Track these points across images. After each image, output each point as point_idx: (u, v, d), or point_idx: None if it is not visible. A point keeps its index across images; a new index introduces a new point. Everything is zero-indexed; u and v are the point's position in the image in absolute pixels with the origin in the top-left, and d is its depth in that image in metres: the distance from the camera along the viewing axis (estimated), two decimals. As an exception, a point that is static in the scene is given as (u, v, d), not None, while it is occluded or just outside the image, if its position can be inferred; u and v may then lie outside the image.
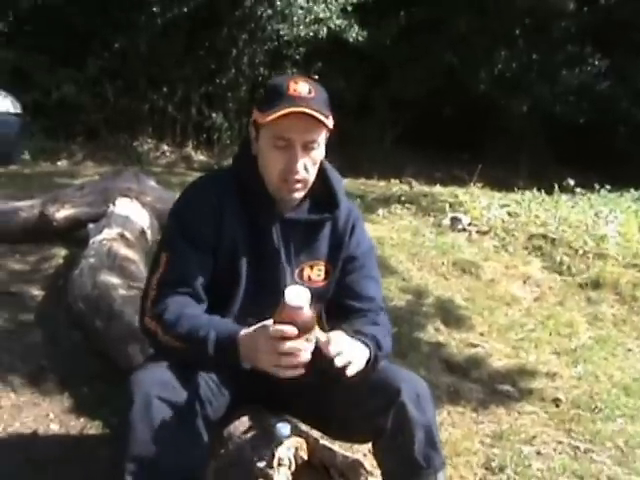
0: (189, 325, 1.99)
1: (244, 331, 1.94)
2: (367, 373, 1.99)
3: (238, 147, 2.38)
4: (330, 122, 2.08)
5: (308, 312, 1.82)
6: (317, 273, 2.22)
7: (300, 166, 2.05)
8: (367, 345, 2.03)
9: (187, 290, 2.07)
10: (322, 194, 2.19)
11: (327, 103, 2.10)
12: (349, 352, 1.91)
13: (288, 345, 1.81)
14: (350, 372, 1.89)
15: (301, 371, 1.85)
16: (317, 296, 2.16)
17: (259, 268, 2.15)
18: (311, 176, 2.11)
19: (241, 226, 2.13)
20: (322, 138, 2.10)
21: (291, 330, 1.80)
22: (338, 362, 1.86)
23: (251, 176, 2.14)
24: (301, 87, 2.04)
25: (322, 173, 2.18)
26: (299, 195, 2.13)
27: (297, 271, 2.20)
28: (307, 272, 2.21)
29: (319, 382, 2.09)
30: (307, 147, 2.06)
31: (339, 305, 2.25)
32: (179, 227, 2.14)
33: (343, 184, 2.28)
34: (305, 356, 1.84)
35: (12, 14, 11.07)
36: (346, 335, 1.97)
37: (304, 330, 1.81)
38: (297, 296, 1.81)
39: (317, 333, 1.88)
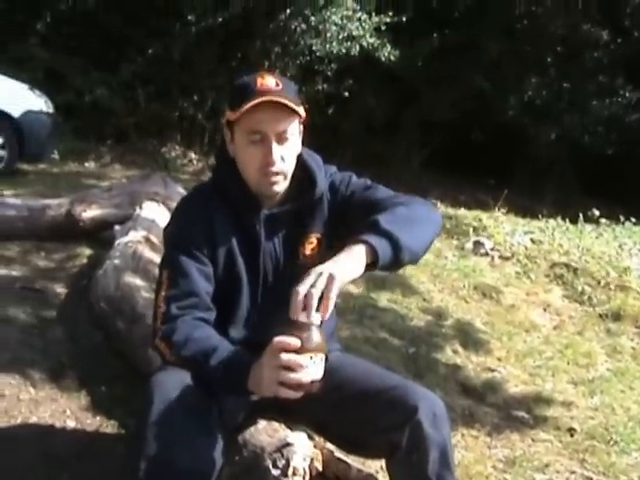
0: (197, 349, 2.00)
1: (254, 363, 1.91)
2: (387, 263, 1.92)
3: (215, 157, 2.41)
4: (301, 110, 2.11)
5: (316, 331, 1.77)
6: (309, 247, 2.24)
7: (277, 157, 2.08)
8: (361, 242, 1.90)
9: (194, 300, 2.10)
10: (302, 182, 2.21)
11: (296, 93, 2.14)
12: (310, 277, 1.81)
13: (287, 357, 1.76)
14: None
15: (299, 394, 1.81)
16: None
17: (255, 268, 2.19)
18: (289, 167, 2.14)
19: (232, 231, 2.17)
20: (295, 128, 2.13)
21: (293, 342, 1.76)
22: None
23: (232, 179, 2.18)
24: (268, 81, 2.08)
25: (301, 163, 2.21)
26: (279, 188, 2.15)
27: (294, 257, 2.22)
28: (301, 251, 2.23)
29: (336, 396, 2.11)
30: (281, 138, 2.08)
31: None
32: (174, 244, 2.19)
33: (321, 164, 2.27)
34: (307, 375, 1.78)
35: (49, 15, 11.18)
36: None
37: (309, 347, 1.76)
38: (304, 313, 1.76)
39: None
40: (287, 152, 2.12)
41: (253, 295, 2.20)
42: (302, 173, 2.21)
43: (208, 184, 2.31)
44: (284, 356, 1.77)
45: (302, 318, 1.76)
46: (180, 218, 2.24)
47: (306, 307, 1.77)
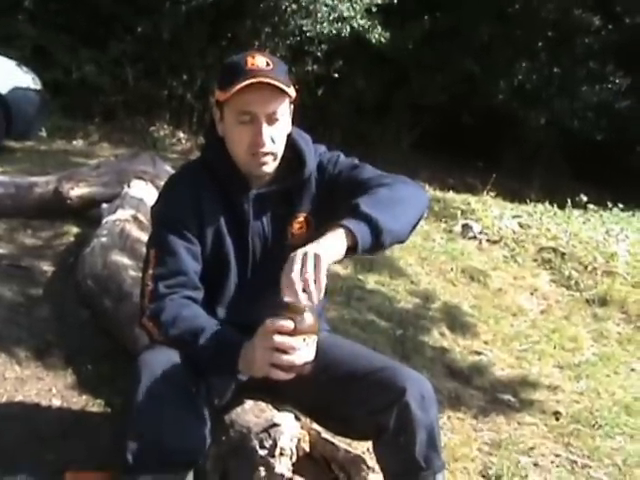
0: (185, 328, 1.99)
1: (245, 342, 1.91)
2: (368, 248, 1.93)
3: (203, 135, 2.39)
4: (292, 91, 2.10)
5: (308, 313, 1.78)
6: (297, 227, 2.24)
7: (267, 138, 2.07)
8: (340, 226, 1.90)
9: (182, 279, 2.09)
10: (291, 161, 2.20)
11: (287, 73, 2.13)
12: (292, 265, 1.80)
13: (281, 339, 1.77)
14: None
15: (290, 376, 1.82)
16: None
17: (243, 248, 2.18)
18: (279, 148, 2.13)
19: (221, 210, 2.16)
20: (285, 108, 2.12)
21: (287, 324, 1.77)
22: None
23: (220, 158, 2.17)
24: (258, 60, 2.06)
25: (290, 142, 2.20)
26: (269, 168, 2.15)
27: (283, 237, 2.22)
28: (289, 230, 2.23)
29: (324, 378, 2.11)
30: (271, 119, 2.07)
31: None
32: (162, 222, 2.18)
33: (311, 144, 2.27)
34: (300, 357, 1.80)
35: (37, -9, 11.07)
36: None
37: (302, 329, 1.77)
38: (297, 295, 1.77)
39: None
40: (277, 133, 2.10)
41: (241, 275, 2.19)
42: (291, 153, 2.21)
43: (196, 162, 2.30)
44: (277, 338, 1.77)
45: (295, 300, 1.76)
46: (168, 196, 2.23)
47: (304, 291, 1.76)
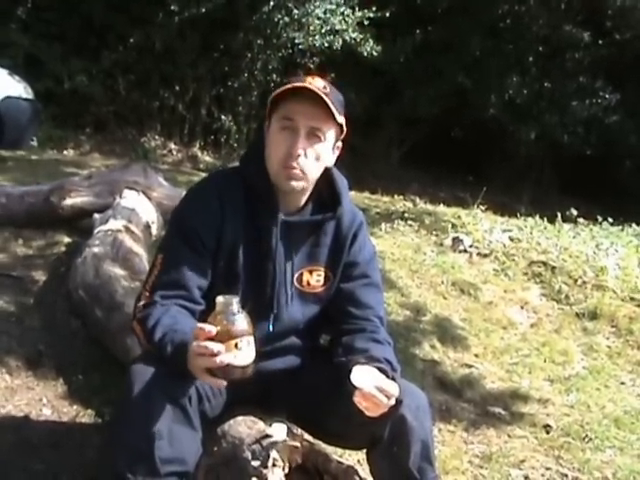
0: (161, 335, 1.97)
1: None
2: None
3: (248, 146, 2.37)
4: (341, 118, 2.09)
5: (240, 315, 1.78)
6: (316, 279, 2.23)
7: (300, 151, 2.05)
8: (386, 372, 2.00)
9: (181, 293, 2.07)
10: (326, 197, 2.20)
11: (341, 104, 2.11)
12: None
13: (199, 344, 1.76)
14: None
15: (222, 383, 1.81)
16: (315, 300, 2.19)
17: (258, 270, 2.15)
18: (310, 168, 2.10)
19: (242, 228, 2.13)
20: (330, 134, 2.11)
21: (208, 328, 1.75)
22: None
23: (259, 174, 2.14)
24: (317, 81, 2.07)
25: (328, 177, 2.19)
26: (297, 185, 2.11)
27: (297, 275, 2.20)
28: (306, 277, 2.22)
29: (317, 389, 2.11)
30: (311, 134, 2.06)
31: (337, 310, 2.25)
32: (178, 229, 2.16)
33: (348, 189, 2.27)
34: (223, 360, 1.76)
35: (31, 1, 11.07)
36: (374, 371, 1.96)
37: (227, 334, 1.75)
38: (224, 303, 1.78)
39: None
40: (313, 152, 2.08)
41: (251, 294, 2.12)
42: (327, 188, 2.20)
43: (231, 173, 2.26)
44: (195, 344, 1.77)
45: (220, 308, 1.78)
46: (191, 204, 2.20)
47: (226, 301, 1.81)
